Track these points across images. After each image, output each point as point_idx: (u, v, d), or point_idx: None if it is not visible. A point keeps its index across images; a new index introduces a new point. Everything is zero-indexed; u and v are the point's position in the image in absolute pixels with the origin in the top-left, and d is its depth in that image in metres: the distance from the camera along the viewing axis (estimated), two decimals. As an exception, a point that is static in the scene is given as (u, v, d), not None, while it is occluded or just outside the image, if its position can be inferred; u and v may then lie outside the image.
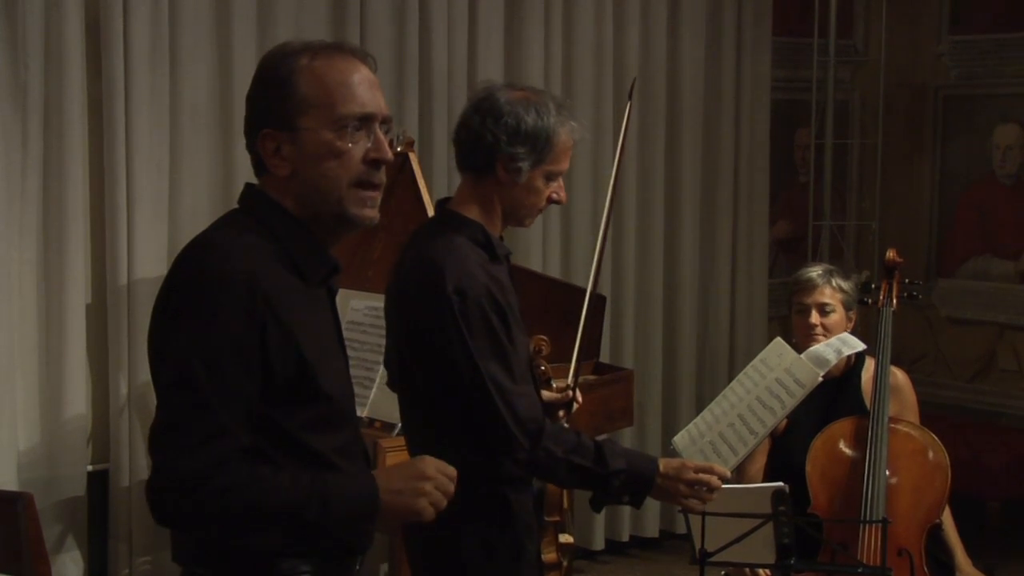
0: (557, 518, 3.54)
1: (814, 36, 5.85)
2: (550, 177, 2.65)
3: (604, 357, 4.72)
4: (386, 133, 2.05)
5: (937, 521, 3.34)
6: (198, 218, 4.14)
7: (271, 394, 1.94)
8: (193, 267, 1.96)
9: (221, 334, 1.89)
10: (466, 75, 4.78)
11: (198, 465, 1.87)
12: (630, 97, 3.21)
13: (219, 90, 4.20)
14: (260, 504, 1.90)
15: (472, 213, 2.66)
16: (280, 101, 2.00)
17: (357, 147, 2.00)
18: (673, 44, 5.40)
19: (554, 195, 2.68)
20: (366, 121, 2.01)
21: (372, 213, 2.04)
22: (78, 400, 3.97)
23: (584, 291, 3.02)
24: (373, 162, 2.02)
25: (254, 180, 2.09)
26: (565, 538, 3.65)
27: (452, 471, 2.05)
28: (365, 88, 2.02)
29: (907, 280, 3.72)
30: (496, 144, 2.58)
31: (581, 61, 5.10)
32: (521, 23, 4.93)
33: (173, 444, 1.89)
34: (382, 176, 2.04)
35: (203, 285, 1.92)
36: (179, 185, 4.15)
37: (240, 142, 4.47)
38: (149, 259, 4.04)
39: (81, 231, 3.96)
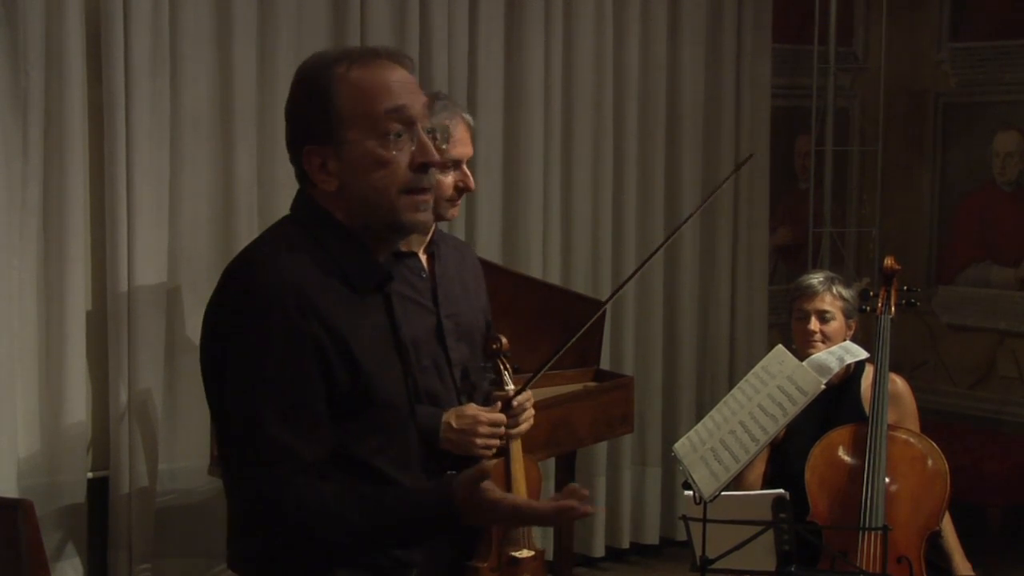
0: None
1: (814, 43, 5.85)
2: None
3: (604, 364, 4.71)
4: (433, 140, 2.01)
5: (936, 528, 3.33)
6: (198, 226, 4.14)
7: (333, 405, 1.92)
8: (241, 283, 1.94)
9: (275, 351, 1.87)
10: (466, 82, 4.78)
11: (263, 487, 1.87)
12: (738, 169, 3.31)
13: (220, 98, 4.20)
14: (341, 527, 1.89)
15: None
16: (320, 115, 1.95)
17: (402, 154, 1.96)
18: (673, 51, 5.40)
19: None
20: (407, 124, 1.97)
21: (425, 217, 2.01)
22: (78, 407, 3.96)
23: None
24: (420, 166, 1.98)
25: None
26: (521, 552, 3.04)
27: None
28: (402, 88, 1.98)
29: (905, 287, 3.72)
30: None
31: (581, 67, 5.10)
32: (521, 29, 4.93)
33: (246, 469, 1.90)
34: (431, 179, 2.00)
35: (252, 301, 1.89)
36: (179, 192, 4.14)
37: (240, 149, 4.48)
38: (149, 266, 4.04)
39: (81, 238, 3.96)
